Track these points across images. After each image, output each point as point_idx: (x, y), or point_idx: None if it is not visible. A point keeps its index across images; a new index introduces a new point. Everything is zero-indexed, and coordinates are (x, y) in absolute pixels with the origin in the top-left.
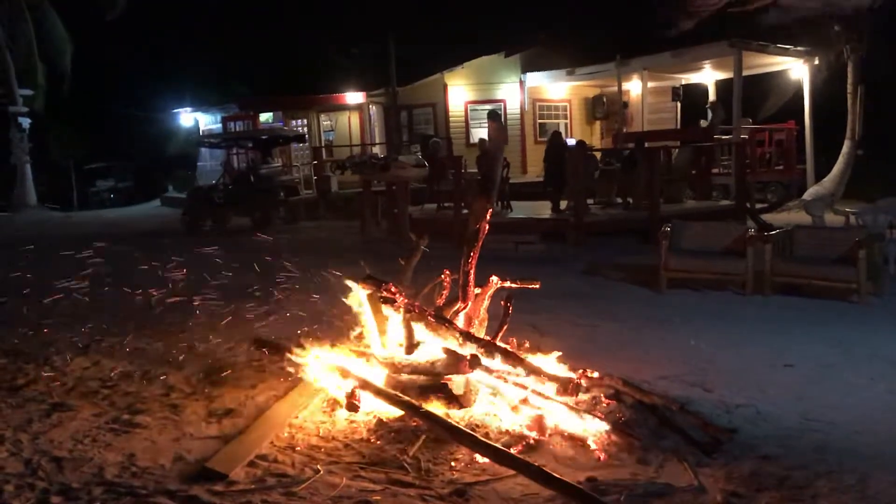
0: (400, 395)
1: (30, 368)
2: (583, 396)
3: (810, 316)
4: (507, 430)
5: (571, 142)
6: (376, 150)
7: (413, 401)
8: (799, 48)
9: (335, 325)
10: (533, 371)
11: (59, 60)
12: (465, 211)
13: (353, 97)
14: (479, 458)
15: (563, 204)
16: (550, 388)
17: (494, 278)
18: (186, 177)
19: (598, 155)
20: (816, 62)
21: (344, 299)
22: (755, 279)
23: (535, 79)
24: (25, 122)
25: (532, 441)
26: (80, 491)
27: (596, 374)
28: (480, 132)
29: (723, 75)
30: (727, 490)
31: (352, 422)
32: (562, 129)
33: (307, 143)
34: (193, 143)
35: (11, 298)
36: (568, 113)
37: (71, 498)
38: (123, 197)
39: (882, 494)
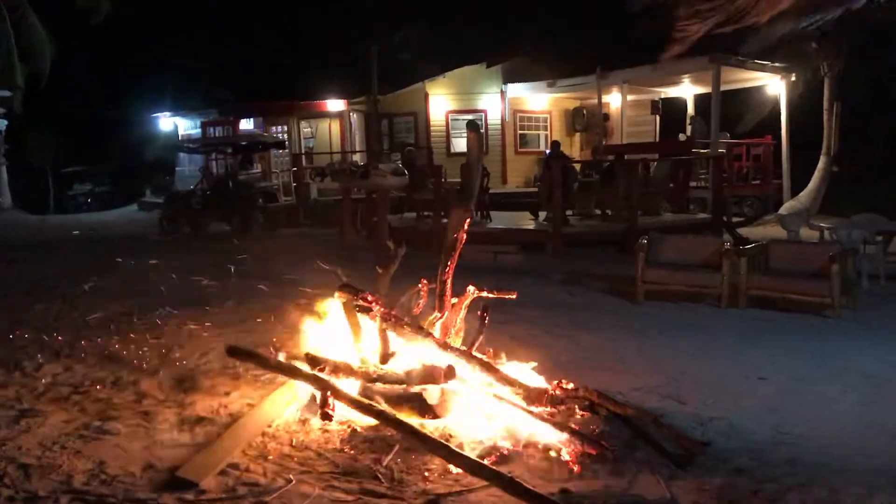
0: (374, 404)
1: None
2: (557, 407)
3: (784, 329)
4: (480, 441)
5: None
6: (356, 157)
7: (387, 410)
8: (776, 64)
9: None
10: (508, 382)
11: (39, 62)
12: (445, 220)
13: (334, 104)
14: (452, 468)
15: (542, 215)
16: (525, 399)
17: (471, 288)
18: (165, 181)
19: (578, 167)
20: (794, 78)
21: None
22: (730, 292)
23: (516, 90)
24: (2, 124)
25: (506, 452)
26: (48, 499)
27: (571, 386)
28: (461, 142)
29: (701, 90)
30: (699, 502)
31: (325, 431)
32: (542, 141)
33: (287, 150)
34: (172, 148)
35: None
36: (548, 124)
37: None
38: (101, 201)
39: None
